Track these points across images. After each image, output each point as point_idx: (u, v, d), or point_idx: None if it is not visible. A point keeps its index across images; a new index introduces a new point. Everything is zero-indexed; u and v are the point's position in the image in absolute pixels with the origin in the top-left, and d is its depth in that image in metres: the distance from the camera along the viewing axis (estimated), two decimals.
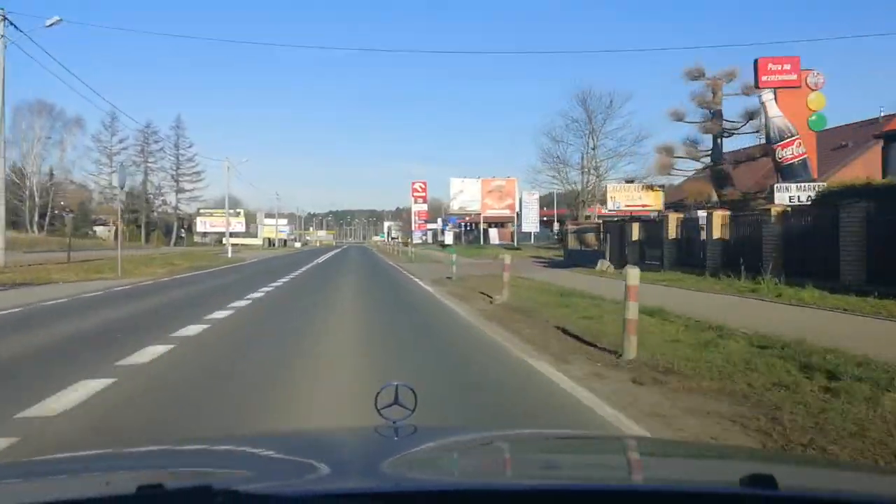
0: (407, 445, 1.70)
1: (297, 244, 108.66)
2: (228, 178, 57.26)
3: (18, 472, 1.79)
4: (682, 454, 2.16)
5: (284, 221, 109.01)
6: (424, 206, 78.20)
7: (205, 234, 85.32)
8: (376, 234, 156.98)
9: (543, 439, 2.31)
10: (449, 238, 68.49)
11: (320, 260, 37.28)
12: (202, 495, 1.08)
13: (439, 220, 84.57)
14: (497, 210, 69.42)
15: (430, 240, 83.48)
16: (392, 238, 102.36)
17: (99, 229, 75.71)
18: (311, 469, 1.51)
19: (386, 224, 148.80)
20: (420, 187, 77.86)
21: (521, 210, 68.26)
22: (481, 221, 69.79)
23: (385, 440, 1.75)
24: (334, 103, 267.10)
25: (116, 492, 1.22)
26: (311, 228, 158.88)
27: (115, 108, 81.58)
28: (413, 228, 78.30)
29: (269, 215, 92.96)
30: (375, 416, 1.76)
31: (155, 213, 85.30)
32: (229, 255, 37.52)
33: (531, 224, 65.68)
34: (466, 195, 68.74)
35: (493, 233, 71.12)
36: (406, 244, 55.86)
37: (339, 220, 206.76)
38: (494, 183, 69.98)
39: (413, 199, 77.75)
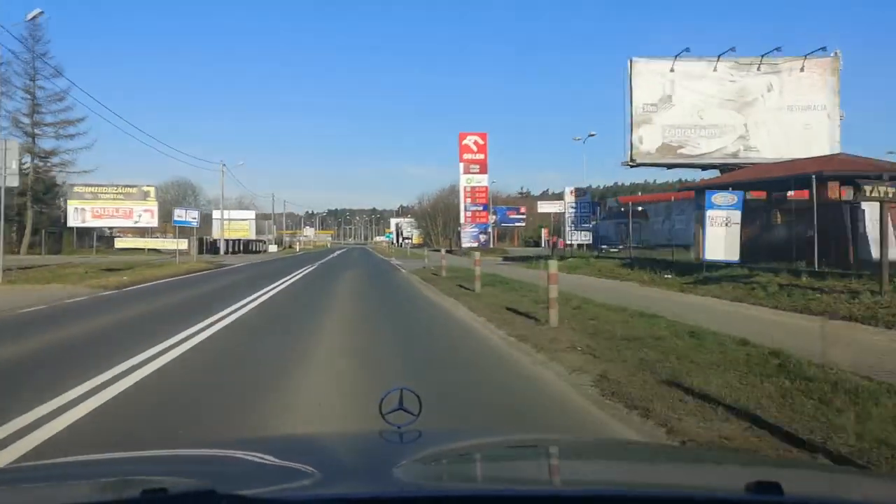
0: (411, 450, 1.69)
1: (273, 248, 76.39)
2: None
3: (22, 476, 1.76)
4: (688, 460, 2.11)
5: (251, 214, 77.15)
6: (484, 180, 40.65)
7: (88, 231, 49.03)
8: (379, 235, 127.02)
9: (549, 444, 2.27)
10: (720, 239, 14.85)
11: None
12: (206, 500, 1.07)
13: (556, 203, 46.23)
14: None
15: (502, 245, 45.22)
16: (405, 239, 71.28)
17: None
18: (315, 474, 1.46)
19: (393, 222, 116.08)
20: (475, 144, 40.92)
21: None
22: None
23: (389, 445, 1.73)
24: (334, 101, 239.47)
25: (121, 497, 1.21)
26: (304, 227, 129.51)
27: None
28: (462, 221, 40.99)
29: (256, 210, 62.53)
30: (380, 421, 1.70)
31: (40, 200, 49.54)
32: None
33: None
34: (687, 104, 22.23)
35: (869, 218, 14.72)
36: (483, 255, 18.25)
37: (337, 219, 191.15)
38: None
39: (462, 165, 40.27)
